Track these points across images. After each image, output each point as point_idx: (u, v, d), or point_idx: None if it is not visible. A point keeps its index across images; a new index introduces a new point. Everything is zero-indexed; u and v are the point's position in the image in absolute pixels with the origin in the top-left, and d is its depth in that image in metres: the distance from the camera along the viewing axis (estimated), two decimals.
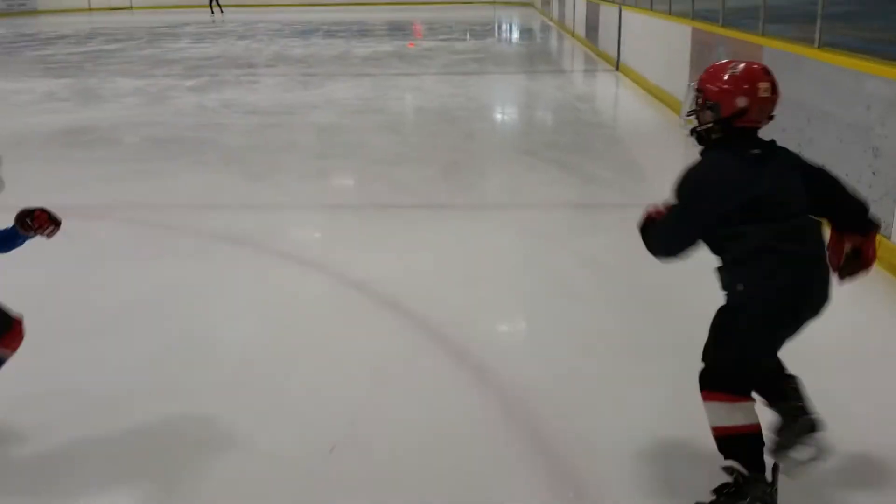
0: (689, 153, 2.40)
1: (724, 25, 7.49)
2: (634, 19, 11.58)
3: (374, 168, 6.92)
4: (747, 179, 2.09)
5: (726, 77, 2.17)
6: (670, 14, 9.61)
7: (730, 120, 2.17)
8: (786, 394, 2.26)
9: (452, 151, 7.46)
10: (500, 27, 25.34)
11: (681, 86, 8.54)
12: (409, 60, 15.24)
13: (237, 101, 10.47)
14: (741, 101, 2.14)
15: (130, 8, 42.44)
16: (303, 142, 8.05)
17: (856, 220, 2.21)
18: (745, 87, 2.14)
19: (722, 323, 2.20)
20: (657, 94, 9.80)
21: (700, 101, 2.23)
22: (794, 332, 2.14)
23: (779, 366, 2.32)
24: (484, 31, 23.36)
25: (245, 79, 12.88)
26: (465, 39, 19.85)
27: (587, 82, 12.71)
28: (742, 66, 2.19)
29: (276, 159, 7.22)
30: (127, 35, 23.01)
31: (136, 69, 14.33)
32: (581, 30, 17.83)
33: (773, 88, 2.16)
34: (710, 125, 2.21)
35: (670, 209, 2.19)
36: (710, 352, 2.21)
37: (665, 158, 6.85)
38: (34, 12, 39.78)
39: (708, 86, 2.21)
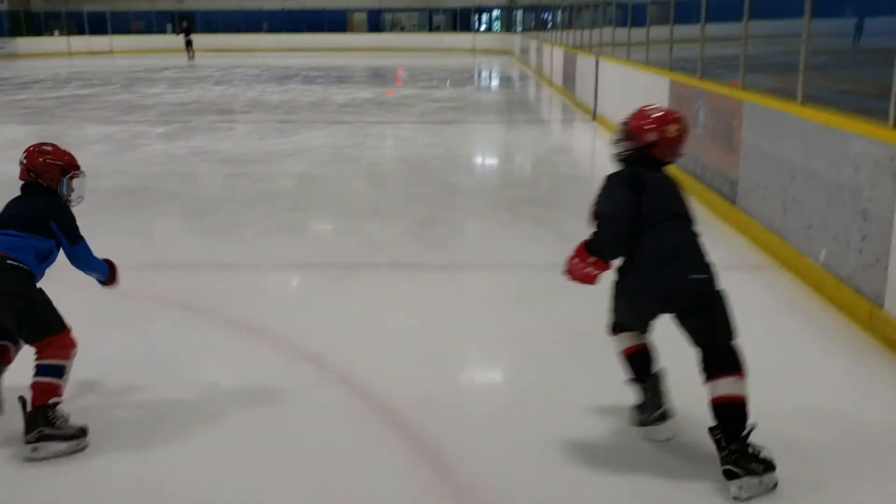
0: None
1: (703, 77, 7.35)
2: (611, 70, 11.51)
3: (344, 222, 6.65)
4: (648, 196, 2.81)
5: (646, 117, 2.86)
6: (648, 64, 9.51)
7: (643, 149, 2.84)
8: (652, 384, 2.93)
9: (427, 205, 7.21)
10: (479, 75, 25.44)
11: None
12: (388, 108, 15.10)
13: (208, 149, 10.20)
14: (651, 136, 2.81)
15: (111, 52, 42.39)
16: (272, 193, 7.77)
17: None
18: (657, 126, 2.82)
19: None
20: None
21: (624, 132, 2.90)
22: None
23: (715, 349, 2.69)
24: (463, 78, 23.40)
25: (219, 125, 12.64)
26: (443, 87, 19.81)
27: (565, 132, 12.58)
28: (661, 111, 2.88)
29: (242, 213, 6.92)
30: (103, 80, 22.80)
31: (107, 115, 14.06)
32: (559, 79, 17.83)
33: (681, 131, 2.85)
34: (629, 151, 2.88)
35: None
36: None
37: None
38: (13, 56, 39.59)
39: (631, 122, 2.88)
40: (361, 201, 7.40)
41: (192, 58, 32.98)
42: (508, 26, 42.52)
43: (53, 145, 3.28)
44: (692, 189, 7.00)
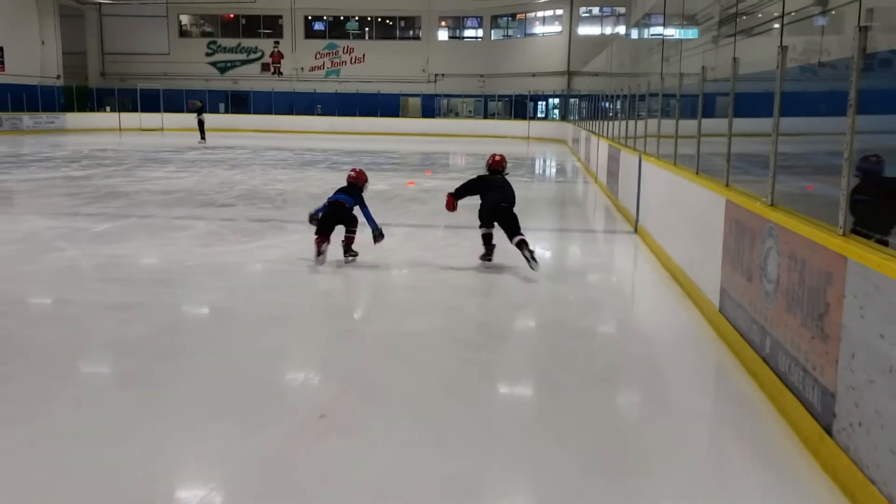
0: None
1: (773, 205, 4.80)
2: (655, 174, 9.04)
3: (239, 447, 4.19)
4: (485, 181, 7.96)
5: (491, 156, 8.33)
6: (698, 174, 6.98)
7: (489, 166, 8.20)
8: (489, 248, 7.93)
9: (390, 409, 4.74)
10: (521, 166, 23.12)
11: (710, 278, 5.80)
12: (396, 204, 12.85)
13: (126, 260, 8.01)
14: (490, 161, 8.23)
15: (161, 130, 42.00)
16: (124, 345, 5.42)
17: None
18: (490, 159, 8.25)
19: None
20: (681, 280, 7.08)
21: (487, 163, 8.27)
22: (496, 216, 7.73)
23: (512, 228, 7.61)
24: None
25: (179, 223, 10.54)
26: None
27: (594, 250, 9.95)
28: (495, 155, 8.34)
29: (54, 392, 4.56)
30: (117, 159, 21.39)
31: (62, 205, 12.18)
32: (603, 175, 15.44)
33: (501, 159, 8.23)
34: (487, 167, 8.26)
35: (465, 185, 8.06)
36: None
37: (679, 440, 4.04)
38: (62, 130, 39.40)
39: (489, 158, 8.27)
40: (278, 391, 4.92)
41: (203, 140, 30.96)
42: (565, 114, 40.67)
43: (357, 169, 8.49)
44: (745, 375, 4.43)
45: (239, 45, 46.96)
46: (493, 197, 7.69)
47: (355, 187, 8.10)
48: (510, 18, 45.16)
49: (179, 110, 44.20)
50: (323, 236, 7.71)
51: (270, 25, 46.87)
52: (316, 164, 20.70)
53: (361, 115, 43.41)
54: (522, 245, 7.38)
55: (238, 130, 41.44)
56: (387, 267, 8.01)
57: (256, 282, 7.49)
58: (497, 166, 8.05)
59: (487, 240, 7.81)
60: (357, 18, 46.69)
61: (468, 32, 46.80)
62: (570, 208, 13.76)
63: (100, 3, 45.11)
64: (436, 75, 45.45)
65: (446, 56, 45.51)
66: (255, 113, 44.46)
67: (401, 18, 46.67)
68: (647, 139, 10.47)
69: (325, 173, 18.14)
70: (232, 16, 47.13)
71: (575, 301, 6.96)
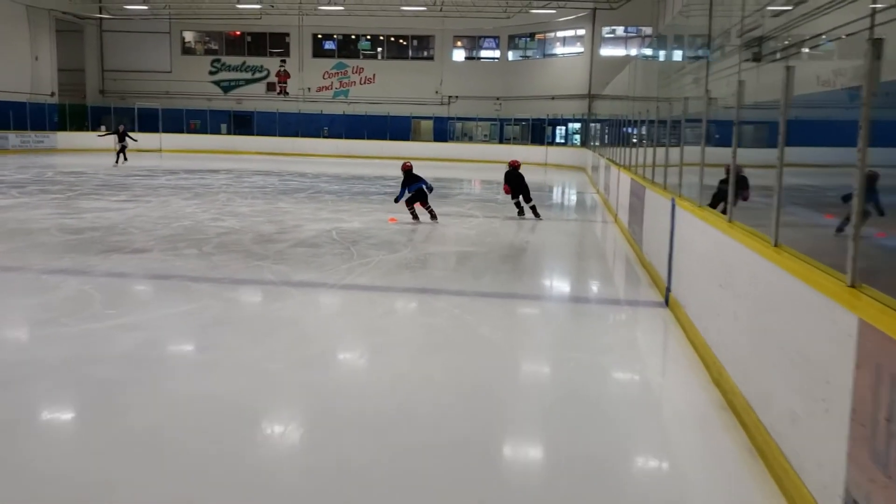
0: None
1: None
2: (696, 228, 6.17)
3: None
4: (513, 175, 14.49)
5: (513, 161, 14.77)
6: (778, 248, 4.12)
7: (513, 165, 14.56)
8: (520, 210, 14.65)
9: None
10: (534, 197, 20.21)
11: (820, 459, 2.93)
12: (361, 251, 10.07)
13: None
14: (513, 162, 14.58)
15: (160, 150, 39.77)
16: None
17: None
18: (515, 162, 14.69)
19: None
20: (746, 420, 4.23)
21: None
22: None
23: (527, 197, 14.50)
24: (511, 202, 18.32)
25: (47, 280, 7.84)
26: (473, 215, 14.80)
27: (609, 345, 7.01)
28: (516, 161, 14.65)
29: None
30: (70, 185, 18.85)
31: None
32: (624, 215, 12.60)
33: (518, 162, 14.74)
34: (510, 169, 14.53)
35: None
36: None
37: None
38: (51, 150, 37.26)
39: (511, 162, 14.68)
40: None
41: (117, 164, 27.31)
42: (585, 139, 37.84)
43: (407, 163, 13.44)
44: None
45: (244, 63, 44.77)
46: (517, 183, 14.33)
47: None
48: (529, 39, 42.57)
49: (180, 130, 42.02)
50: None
51: (277, 44, 44.66)
52: (294, 193, 18.02)
53: (370, 137, 40.91)
54: (534, 208, 14.46)
55: (239, 153, 39.11)
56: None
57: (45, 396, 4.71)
58: (515, 164, 14.43)
59: (517, 204, 14.64)
60: (369, 37, 44.35)
61: (484, 53, 44.22)
62: (579, 260, 10.83)
63: (100, 18, 43.18)
64: (449, 97, 42.89)
65: (461, 77, 42.97)
66: (258, 134, 42.13)
67: (414, 38, 44.25)
68: (682, 173, 7.61)
69: (298, 205, 15.46)
70: (238, 33, 44.99)
71: (564, 458, 4.08)
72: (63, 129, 39.57)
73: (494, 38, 43.32)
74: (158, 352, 5.56)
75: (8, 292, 7.26)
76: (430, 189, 13.16)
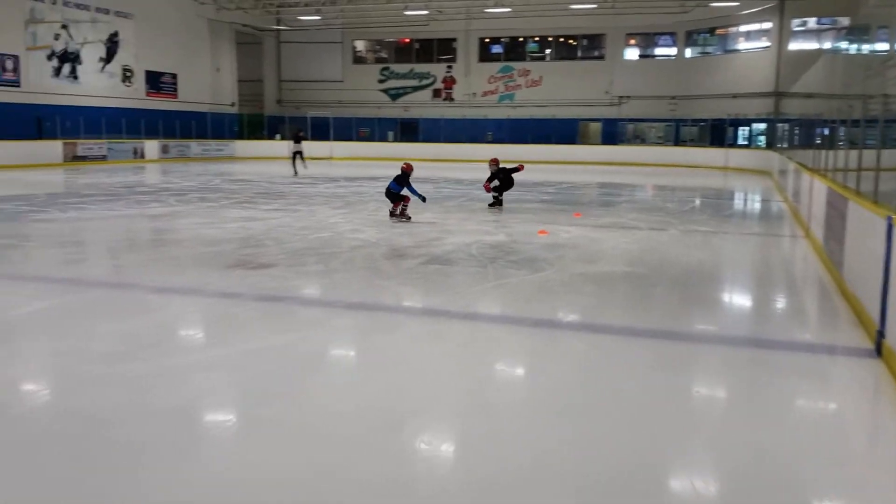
0: None
1: None
2: None
3: None
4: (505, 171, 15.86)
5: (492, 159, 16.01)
6: None
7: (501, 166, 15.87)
8: (497, 201, 15.75)
9: None
10: (704, 206, 18.18)
11: None
12: (499, 270, 8.87)
13: None
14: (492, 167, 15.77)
15: (330, 158, 40.62)
16: None
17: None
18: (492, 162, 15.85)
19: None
20: None
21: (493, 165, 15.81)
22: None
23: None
24: (683, 211, 16.48)
25: (153, 300, 7.28)
26: (637, 227, 13.20)
27: (803, 416, 5.20)
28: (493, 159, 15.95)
29: None
30: (229, 192, 19.04)
31: (58, 257, 9.39)
32: (818, 230, 10.61)
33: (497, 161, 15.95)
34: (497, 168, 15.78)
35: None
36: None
37: None
38: (229, 158, 39.02)
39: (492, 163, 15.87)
40: None
41: (296, 173, 26.22)
42: (772, 141, 34.54)
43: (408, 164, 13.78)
44: None
45: (411, 70, 44.97)
46: (509, 179, 15.78)
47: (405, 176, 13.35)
48: (708, 34, 39.65)
49: (349, 138, 42.80)
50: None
51: (444, 49, 44.50)
52: (444, 202, 17.16)
53: (534, 142, 39.65)
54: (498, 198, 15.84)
55: (403, 160, 39.10)
56: None
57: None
58: (496, 164, 15.81)
59: (497, 197, 15.88)
60: (537, 39, 43.15)
61: (659, 50, 41.72)
62: (762, 287, 8.95)
63: (278, 30, 44.89)
64: (620, 98, 40.81)
65: (633, 76, 40.77)
66: (423, 141, 42.06)
67: (584, 37, 42.55)
68: None
69: (444, 214, 14.52)
70: (407, 40, 45.28)
71: None
72: (241, 137, 41.38)
73: (671, 34, 40.78)
74: (215, 405, 4.65)
75: (103, 315, 6.71)
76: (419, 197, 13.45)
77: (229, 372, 5.15)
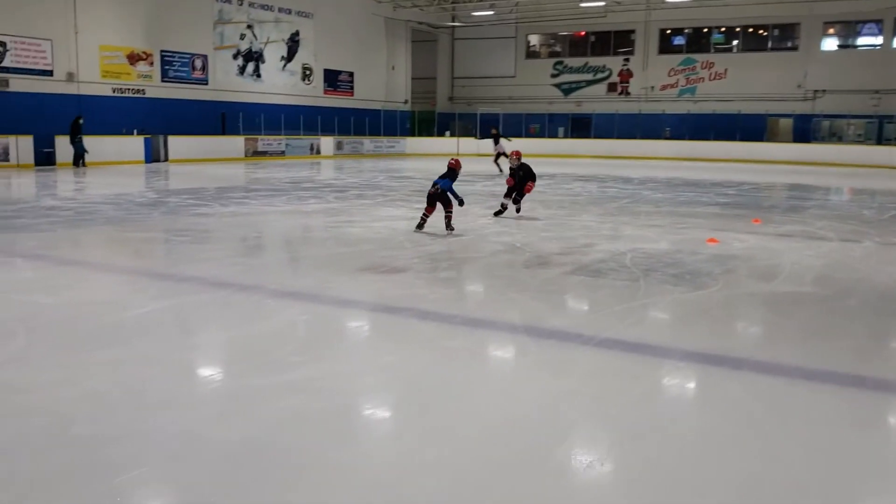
0: None
1: None
2: None
3: None
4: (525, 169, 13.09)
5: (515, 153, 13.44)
6: None
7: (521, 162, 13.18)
8: (504, 206, 13.05)
9: None
10: (890, 221, 15.78)
11: None
12: (652, 285, 7.79)
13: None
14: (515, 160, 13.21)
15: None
16: None
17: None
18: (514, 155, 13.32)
19: None
20: None
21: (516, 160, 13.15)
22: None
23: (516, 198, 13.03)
24: (882, 219, 14.33)
25: (266, 305, 6.89)
26: (826, 237, 11.48)
27: None
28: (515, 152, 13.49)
29: None
30: (387, 189, 18.87)
31: (195, 254, 9.32)
32: None
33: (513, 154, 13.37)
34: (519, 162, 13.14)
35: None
36: None
37: None
38: (401, 155, 39.50)
39: (514, 156, 13.37)
40: None
41: (501, 171, 24.30)
42: None
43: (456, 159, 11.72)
44: None
45: (586, 64, 43.50)
46: (526, 179, 13.10)
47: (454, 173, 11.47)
48: None
49: (519, 135, 42.05)
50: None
51: (621, 42, 42.66)
52: (606, 203, 15.98)
53: (716, 139, 37.05)
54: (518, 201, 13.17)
55: (573, 156, 37.94)
56: None
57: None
58: (518, 158, 13.27)
59: (505, 205, 13.20)
60: (723, 29, 40.36)
61: (862, 40, 37.69)
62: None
63: (452, 27, 44.97)
64: (815, 91, 37.28)
65: (830, 68, 37.09)
66: (595, 137, 40.55)
67: (775, 26, 39.27)
68: None
69: (601, 217, 13.41)
70: (582, 33, 43.87)
71: None
72: (413, 134, 41.81)
73: (876, 21, 36.71)
74: (284, 440, 4.03)
75: (215, 322, 6.36)
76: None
77: (306, 398, 4.53)
